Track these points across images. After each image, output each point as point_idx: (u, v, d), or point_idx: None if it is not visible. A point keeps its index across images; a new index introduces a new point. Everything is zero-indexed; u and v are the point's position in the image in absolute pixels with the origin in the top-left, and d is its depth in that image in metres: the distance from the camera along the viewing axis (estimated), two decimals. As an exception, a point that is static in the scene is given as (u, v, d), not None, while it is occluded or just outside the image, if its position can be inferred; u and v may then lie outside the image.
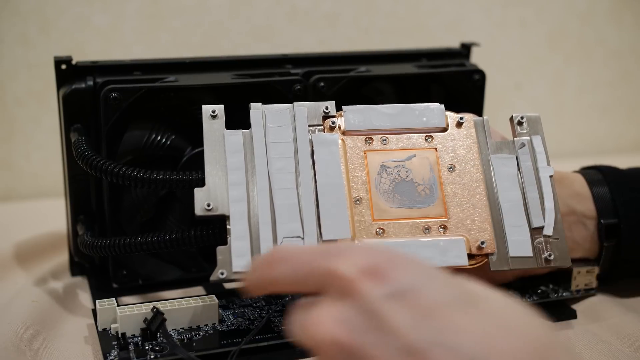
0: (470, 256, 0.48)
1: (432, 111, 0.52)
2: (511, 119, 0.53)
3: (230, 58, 0.61)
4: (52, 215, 0.68)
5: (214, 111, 0.50)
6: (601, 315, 0.55)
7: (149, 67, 0.58)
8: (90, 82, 0.55)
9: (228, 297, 0.53)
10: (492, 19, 0.93)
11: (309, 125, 0.50)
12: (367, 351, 0.30)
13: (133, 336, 0.48)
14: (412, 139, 0.51)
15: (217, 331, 0.50)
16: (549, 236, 0.50)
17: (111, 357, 0.46)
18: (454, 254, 0.48)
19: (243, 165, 0.48)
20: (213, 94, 0.56)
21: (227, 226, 0.47)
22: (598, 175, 0.57)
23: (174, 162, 0.56)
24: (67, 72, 0.56)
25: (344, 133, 0.50)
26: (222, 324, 0.50)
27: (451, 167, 0.51)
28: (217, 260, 0.45)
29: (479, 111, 0.62)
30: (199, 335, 0.49)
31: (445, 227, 0.49)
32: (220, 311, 0.51)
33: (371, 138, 0.51)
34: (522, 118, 0.53)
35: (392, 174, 0.50)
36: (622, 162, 0.63)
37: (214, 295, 0.51)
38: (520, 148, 0.52)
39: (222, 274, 0.45)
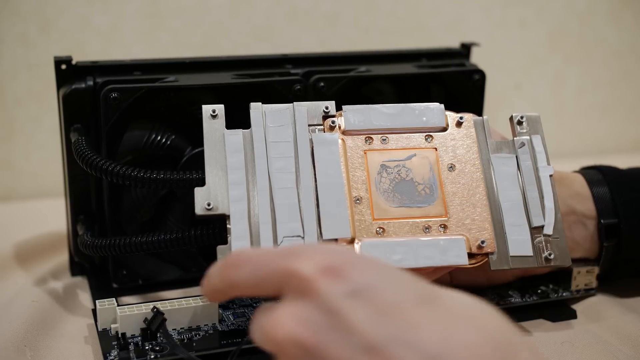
0: (471, 255, 0.48)
1: (432, 111, 0.52)
2: (511, 118, 0.53)
3: (230, 58, 0.61)
4: (52, 215, 0.68)
5: (214, 111, 0.50)
6: (601, 315, 0.55)
7: (149, 67, 0.58)
8: (90, 82, 0.55)
9: (228, 299, 0.53)
10: (492, 19, 0.93)
11: (309, 125, 0.50)
12: (327, 350, 0.31)
13: (133, 336, 0.48)
14: (412, 139, 0.51)
15: (217, 331, 0.50)
16: (549, 235, 0.50)
17: (111, 357, 0.46)
18: (454, 253, 0.48)
19: (243, 164, 0.48)
20: (213, 94, 0.56)
21: (228, 225, 0.47)
22: (598, 175, 0.57)
23: (174, 162, 0.56)
24: (67, 72, 0.56)
25: (344, 133, 0.50)
26: (222, 324, 0.50)
27: (451, 167, 0.51)
28: (218, 259, 0.45)
29: (479, 111, 0.62)
30: (199, 335, 0.49)
31: (445, 227, 0.49)
32: (220, 311, 0.51)
33: (371, 138, 0.51)
34: (522, 118, 0.53)
35: (392, 173, 0.50)
36: (622, 162, 0.63)
37: (214, 295, 0.51)
38: (520, 147, 0.52)
39: (222, 273, 0.45)
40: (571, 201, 0.56)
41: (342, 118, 0.51)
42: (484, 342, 0.30)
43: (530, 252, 0.49)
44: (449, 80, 0.62)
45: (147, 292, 0.58)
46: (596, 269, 0.57)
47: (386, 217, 0.49)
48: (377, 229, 0.48)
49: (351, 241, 0.47)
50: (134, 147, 0.55)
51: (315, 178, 0.49)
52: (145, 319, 0.48)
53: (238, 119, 0.50)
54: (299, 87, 0.56)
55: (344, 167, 0.49)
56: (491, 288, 0.56)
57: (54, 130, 0.71)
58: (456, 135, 0.52)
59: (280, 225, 0.47)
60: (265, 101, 0.51)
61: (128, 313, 0.48)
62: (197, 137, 0.53)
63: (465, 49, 0.66)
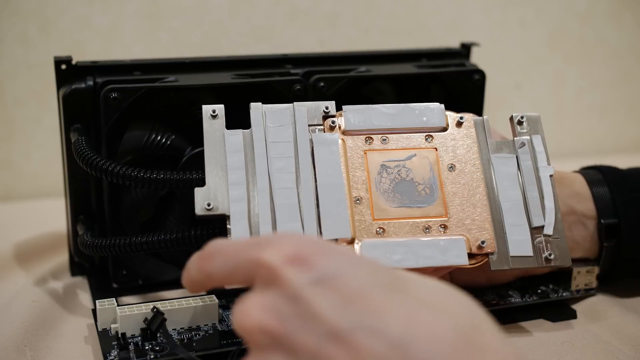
0: (471, 255, 0.48)
1: (432, 111, 0.52)
2: (511, 118, 0.53)
3: (230, 58, 0.61)
4: (52, 215, 0.68)
5: (214, 111, 0.50)
6: (601, 315, 0.55)
7: (149, 67, 0.58)
8: (90, 82, 0.55)
9: (228, 297, 0.53)
10: (492, 19, 0.93)
11: (309, 125, 0.50)
12: (293, 337, 0.31)
13: (133, 336, 0.48)
14: (412, 139, 0.51)
15: (217, 331, 0.49)
16: (549, 235, 0.50)
17: (111, 357, 0.46)
18: (454, 253, 0.48)
19: (243, 164, 0.48)
20: (213, 94, 0.56)
21: (228, 226, 0.47)
22: (598, 175, 0.57)
23: (174, 162, 0.56)
24: (67, 72, 0.56)
25: (344, 133, 0.50)
26: (222, 324, 0.50)
27: (451, 167, 0.51)
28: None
29: (479, 111, 0.62)
30: (199, 335, 0.49)
31: (445, 227, 0.49)
32: (220, 311, 0.51)
33: (371, 138, 0.51)
34: (522, 118, 0.53)
35: (392, 173, 0.50)
36: (622, 162, 0.63)
37: (214, 295, 0.51)
38: (520, 147, 0.52)
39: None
40: (571, 201, 0.56)
41: (342, 118, 0.51)
42: (448, 326, 0.30)
43: (530, 252, 0.49)
44: (449, 80, 0.62)
45: (147, 292, 0.58)
46: (596, 269, 0.57)
47: (386, 217, 0.48)
48: (377, 229, 0.48)
49: (351, 241, 0.47)
50: (134, 147, 0.55)
51: (316, 178, 0.49)
52: (145, 319, 0.48)
53: (238, 119, 0.50)
54: (299, 87, 0.56)
55: (344, 167, 0.49)
56: (491, 288, 0.56)
57: (54, 130, 0.71)
58: (456, 135, 0.52)
59: (280, 225, 0.47)
60: (265, 101, 0.51)
61: (128, 313, 0.48)
62: (197, 137, 0.53)
63: (465, 49, 0.66)
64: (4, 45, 0.77)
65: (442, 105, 0.52)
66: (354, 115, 0.51)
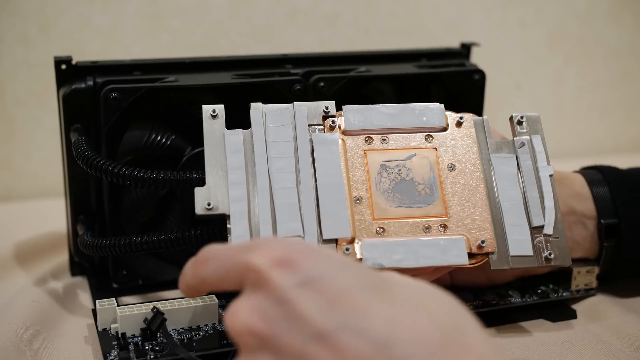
0: (471, 255, 0.48)
1: (432, 111, 0.52)
2: (511, 118, 0.53)
3: (230, 58, 0.61)
4: (52, 215, 0.68)
5: (214, 111, 0.50)
6: (601, 315, 0.55)
7: (149, 67, 0.58)
8: (90, 82, 0.55)
9: (228, 297, 0.53)
10: (492, 19, 0.93)
11: (309, 125, 0.50)
12: (280, 338, 0.32)
13: (133, 336, 0.48)
14: (412, 139, 0.51)
15: (217, 331, 0.49)
16: (549, 235, 0.50)
17: (111, 357, 0.46)
18: (454, 253, 0.48)
19: (243, 164, 0.48)
20: (213, 94, 0.56)
21: (228, 225, 0.47)
22: (598, 175, 0.57)
23: (174, 162, 0.56)
24: (67, 72, 0.56)
25: (344, 132, 0.50)
26: (222, 324, 0.50)
27: (451, 167, 0.51)
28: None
29: (479, 111, 0.62)
30: (199, 335, 0.49)
31: (445, 226, 0.49)
32: (220, 311, 0.51)
33: (371, 137, 0.51)
34: (521, 118, 0.53)
35: (392, 173, 0.50)
36: (622, 162, 0.63)
37: (213, 295, 0.51)
38: (520, 147, 0.52)
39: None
40: (571, 201, 0.56)
41: (342, 118, 0.51)
42: (431, 327, 0.31)
43: (530, 252, 0.49)
44: (449, 80, 0.62)
45: (147, 292, 0.58)
46: (596, 269, 0.57)
47: (386, 217, 0.49)
48: (377, 229, 0.48)
49: (351, 241, 0.47)
50: (134, 147, 0.55)
51: (316, 178, 0.49)
52: (146, 319, 0.48)
53: (238, 119, 0.50)
54: (299, 87, 0.56)
55: (344, 167, 0.49)
56: (491, 288, 0.56)
57: (54, 130, 0.71)
58: (456, 135, 0.52)
59: (280, 225, 0.47)
60: (265, 101, 0.51)
61: (128, 313, 0.48)
62: (197, 137, 0.53)
63: (465, 49, 0.66)
64: (4, 45, 0.77)
65: (442, 105, 0.52)
66: (354, 115, 0.51)
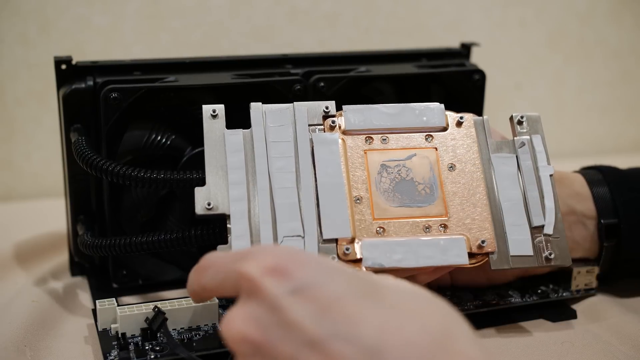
0: (471, 255, 0.48)
1: (432, 111, 0.52)
2: (511, 118, 0.53)
3: (230, 58, 0.61)
4: (52, 215, 0.68)
5: (214, 111, 0.50)
6: (601, 315, 0.55)
7: (149, 67, 0.58)
8: (90, 82, 0.55)
9: (229, 298, 0.53)
10: (492, 19, 0.93)
11: (309, 125, 0.50)
12: (273, 346, 0.32)
13: (133, 336, 0.48)
14: (412, 139, 0.51)
15: (217, 331, 0.49)
16: (549, 235, 0.50)
17: (111, 357, 0.46)
18: (454, 252, 0.48)
19: (243, 164, 0.48)
20: (213, 94, 0.56)
21: (228, 225, 0.47)
22: (598, 175, 0.57)
23: (174, 162, 0.56)
24: (67, 72, 0.56)
25: (344, 132, 0.50)
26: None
27: (451, 166, 0.51)
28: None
29: (479, 111, 0.62)
30: (199, 335, 0.49)
31: (445, 226, 0.49)
32: (220, 311, 0.51)
33: (371, 137, 0.51)
34: (522, 117, 0.53)
35: (392, 173, 0.50)
36: (622, 162, 0.63)
37: (214, 295, 0.51)
38: (520, 147, 0.52)
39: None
40: (571, 201, 0.56)
41: (342, 118, 0.51)
42: (422, 332, 0.32)
43: (530, 252, 0.49)
44: (449, 80, 0.62)
45: (147, 292, 0.58)
46: (596, 269, 0.57)
47: (386, 216, 0.49)
48: (378, 229, 0.48)
49: (351, 241, 0.47)
50: (134, 147, 0.55)
51: (316, 178, 0.49)
52: (147, 319, 0.48)
53: (238, 119, 0.50)
54: (299, 87, 0.56)
55: (344, 167, 0.49)
56: (491, 288, 0.56)
57: (54, 130, 0.71)
58: (456, 135, 0.52)
59: (280, 225, 0.47)
60: (265, 101, 0.51)
61: (128, 313, 0.48)
62: (197, 137, 0.53)
63: (465, 49, 0.66)
64: (4, 45, 0.77)
65: (442, 105, 0.52)
66: (354, 115, 0.51)
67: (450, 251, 0.48)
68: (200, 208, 0.47)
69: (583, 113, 1.01)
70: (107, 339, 0.48)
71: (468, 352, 0.32)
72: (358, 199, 0.49)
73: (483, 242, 0.48)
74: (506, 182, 0.51)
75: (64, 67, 0.56)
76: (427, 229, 0.49)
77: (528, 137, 0.52)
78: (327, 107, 0.51)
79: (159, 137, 0.56)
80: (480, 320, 0.53)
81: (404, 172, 0.50)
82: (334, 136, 0.50)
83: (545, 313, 0.55)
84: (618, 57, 1.00)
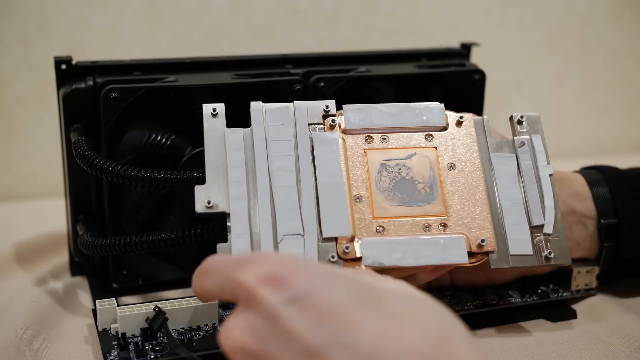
0: (471, 254, 0.48)
1: (432, 110, 0.52)
2: (511, 118, 0.53)
3: (230, 58, 0.61)
4: (52, 215, 0.68)
5: (214, 110, 0.50)
6: (601, 315, 0.55)
7: (149, 67, 0.58)
8: (90, 82, 0.55)
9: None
10: (492, 19, 0.93)
11: (310, 124, 0.50)
12: (271, 355, 0.32)
13: (133, 336, 0.48)
14: (412, 138, 0.51)
15: (217, 331, 0.49)
16: (549, 234, 0.50)
17: (111, 357, 0.46)
18: (454, 251, 0.48)
19: (243, 163, 0.48)
20: (213, 94, 0.56)
21: (228, 223, 0.47)
22: (598, 175, 0.57)
23: (174, 162, 0.56)
24: (67, 72, 0.56)
25: (344, 131, 0.50)
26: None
27: (451, 166, 0.51)
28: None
29: (479, 111, 0.62)
30: (199, 335, 0.49)
31: (445, 225, 0.49)
32: (220, 311, 0.51)
33: (371, 136, 0.51)
34: (521, 117, 0.53)
35: (392, 172, 0.50)
36: (622, 162, 0.63)
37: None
38: (520, 147, 0.52)
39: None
40: (571, 201, 0.56)
41: (343, 117, 0.51)
42: (420, 338, 0.31)
43: (530, 251, 0.49)
44: (449, 80, 0.62)
45: (147, 292, 0.58)
46: (596, 269, 0.57)
47: (386, 215, 0.49)
48: (377, 228, 0.48)
49: (351, 239, 0.47)
50: (134, 147, 0.55)
51: (316, 177, 0.49)
52: (147, 318, 0.48)
53: (238, 119, 0.50)
54: (299, 87, 0.56)
55: (344, 166, 0.49)
56: (491, 288, 0.56)
57: (54, 130, 0.71)
58: (456, 135, 0.52)
59: (280, 224, 0.47)
60: (265, 101, 0.51)
61: (128, 313, 0.48)
62: (197, 137, 0.53)
63: (465, 49, 0.66)
64: (4, 45, 0.77)
65: (442, 105, 0.52)
66: (354, 114, 0.51)
67: (450, 250, 0.48)
68: (200, 206, 0.47)
69: (583, 113, 1.01)
70: (107, 339, 0.48)
71: (467, 357, 0.32)
72: (358, 198, 0.49)
73: (483, 241, 0.48)
74: (506, 181, 0.51)
75: (64, 67, 0.56)
76: (426, 228, 0.49)
77: (528, 137, 0.52)
78: (327, 106, 0.51)
79: (159, 137, 0.56)
80: (480, 320, 0.53)
81: (403, 171, 0.50)
82: (334, 135, 0.50)
83: (545, 313, 0.55)
84: (618, 57, 1.00)
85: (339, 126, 0.50)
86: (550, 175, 0.51)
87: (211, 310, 0.50)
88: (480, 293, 0.55)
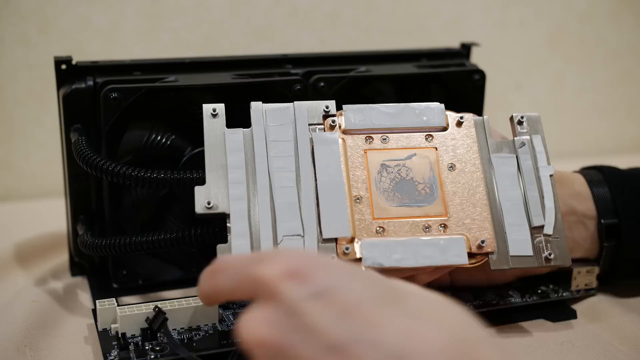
0: (471, 255, 0.48)
1: (432, 110, 0.52)
2: (511, 118, 0.53)
3: (230, 58, 0.61)
4: (52, 215, 0.68)
5: (214, 110, 0.50)
6: (601, 315, 0.55)
7: (149, 67, 0.58)
8: (90, 82, 0.55)
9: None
10: (492, 19, 0.93)
11: (310, 124, 0.50)
12: (293, 350, 0.32)
13: (133, 336, 0.48)
14: (412, 138, 0.51)
15: (217, 331, 0.49)
16: (549, 235, 0.50)
17: (111, 357, 0.46)
18: (454, 252, 0.48)
19: (243, 163, 0.48)
20: (213, 94, 0.56)
21: (228, 224, 0.47)
22: (598, 175, 0.57)
23: (174, 162, 0.56)
24: (67, 72, 0.56)
25: (344, 132, 0.50)
26: (222, 324, 0.50)
27: (451, 166, 0.51)
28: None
29: (479, 111, 0.62)
30: (199, 335, 0.49)
31: (445, 226, 0.49)
32: (220, 311, 0.51)
33: (371, 137, 0.51)
34: (522, 117, 0.53)
35: (392, 172, 0.50)
36: (622, 162, 0.63)
37: (214, 295, 0.51)
38: (521, 147, 0.52)
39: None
40: (571, 201, 0.56)
41: (343, 117, 0.51)
42: (445, 339, 0.31)
43: (530, 252, 0.49)
44: (449, 80, 0.62)
45: (147, 292, 0.58)
46: (596, 269, 0.57)
47: (386, 216, 0.49)
48: (377, 228, 0.48)
49: (351, 240, 0.47)
50: (134, 147, 0.55)
51: (316, 177, 0.49)
52: (147, 319, 0.48)
53: (238, 119, 0.50)
54: (299, 87, 0.56)
55: (344, 166, 0.49)
56: (491, 288, 0.56)
57: (54, 130, 0.71)
58: (456, 135, 0.52)
59: (280, 224, 0.47)
60: (265, 101, 0.51)
61: (128, 313, 0.48)
62: (197, 137, 0.53)
63: (465, 49, 0.66)
64: (4, 45, 0.77)
65: (442, 105, 0.52)
66: (354, 114, 0.51)
67: (450, 251, 0.48)
68: (200, 207, 0.47)
69: (583, 113, 1.01)
70: (107, 339, 0.48)
71: (491, 358, 0.31)
72: (358, 199, 0.49)
73: (483, 242, 0.48)
74: (506, 182, 0.51)
75: (64, 67, 0.56)
76: (426, 228, 0.49)
77: (528, 137, 0.52)
78: (327, 107, 0.51)
79: (159, 137, 0.56)
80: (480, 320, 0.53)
81: (404, 172, 0.50)
82: (334, 136, 0.50)
83: (545, 313, 0.55)
84: (618, 57, 1.00)
85: (339, 126, 0.50)
86: (551, 175, 0.51)
87: (211, 310, 0.50)
88: (480, 293, 0.55)
